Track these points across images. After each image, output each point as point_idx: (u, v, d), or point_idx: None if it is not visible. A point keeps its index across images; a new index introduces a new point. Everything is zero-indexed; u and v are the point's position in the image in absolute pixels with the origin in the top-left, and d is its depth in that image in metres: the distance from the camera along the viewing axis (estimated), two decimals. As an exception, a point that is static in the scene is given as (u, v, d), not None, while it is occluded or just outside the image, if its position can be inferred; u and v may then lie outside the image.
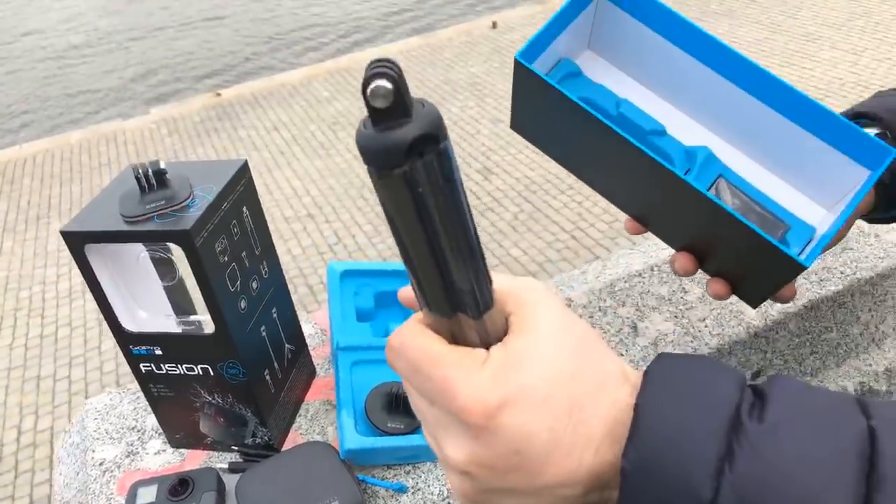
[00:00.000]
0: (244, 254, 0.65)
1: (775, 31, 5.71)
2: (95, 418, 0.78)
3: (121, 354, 3.28)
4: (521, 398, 0.32)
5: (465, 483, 0.35)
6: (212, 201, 0.60)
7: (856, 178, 0.57)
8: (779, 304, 0.85)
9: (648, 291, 0.86)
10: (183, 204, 0.60)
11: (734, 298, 0.83)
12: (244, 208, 0.66)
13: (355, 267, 0.82)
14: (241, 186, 0.65)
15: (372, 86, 0.25)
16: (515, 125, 0.66)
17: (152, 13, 8.70)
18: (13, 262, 4.13)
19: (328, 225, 4.21)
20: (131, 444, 0.74)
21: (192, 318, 0.69)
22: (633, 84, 0.66)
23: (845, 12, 5.87)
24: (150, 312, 0.67)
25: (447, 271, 0.30)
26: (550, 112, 0.60)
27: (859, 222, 0.90)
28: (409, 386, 0.36)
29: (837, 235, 0.63)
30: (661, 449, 0.31)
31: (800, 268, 0.53)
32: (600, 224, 3.83)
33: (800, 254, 0.59)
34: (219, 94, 5.86)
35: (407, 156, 0.26)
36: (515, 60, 0.57)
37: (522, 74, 0.58)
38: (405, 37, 6.96)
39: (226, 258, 0.62)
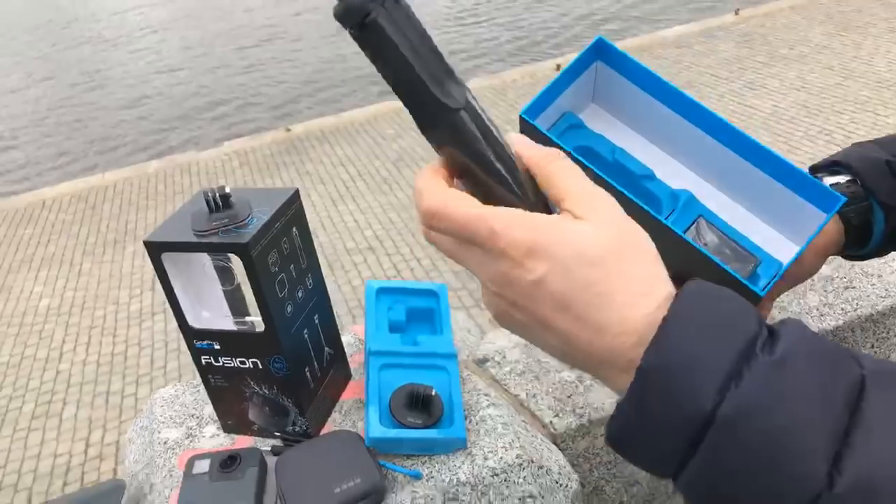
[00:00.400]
0: (292, 266, 0.77)
1: (848, 77, 5.65)
2: (162, 406, 0.91)
3: (183, 375, 3.48)
4: (555, 269, 0.39)
5: (501, 308, 0.42)
6: (266, 221, 0.72)
7: (816, 220, 0.65)
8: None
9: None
10: (243, 222, 0.72)
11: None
12: (293, 228, 0.78)
13: (390, 285, 0.93)
14: (291, 210, 0.77)
15: None
16: None
17: (227, 53, 9.17)
18: (91, 282, 4.41)
19: (388, 258, 4.36)
20: (190, 428, 0.86)
21: (247, 318, 0.81)
22: (629, 133, 0.76)
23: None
24: (212, 313, 0.80)
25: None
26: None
27: (863, 264, 0.97)
28: (453, 243, 0.42)
29: (807, 270, 0.71)
30: (678, 358, 0.36)
31: (755, 296, 0.62)
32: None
33: (766, 285, 0.67)
34: (289, 130, 6.14)
35: (368, 6, 0.37)
36: (519, 117, 0.68)
37: (527, 128, 0.69)
38: (470, 77, 7.14)
39: (276, 269, 0.74)
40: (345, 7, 0.38)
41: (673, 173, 0.74)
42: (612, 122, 0.77)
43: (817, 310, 0.94)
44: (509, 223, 0.39)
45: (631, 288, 0.39)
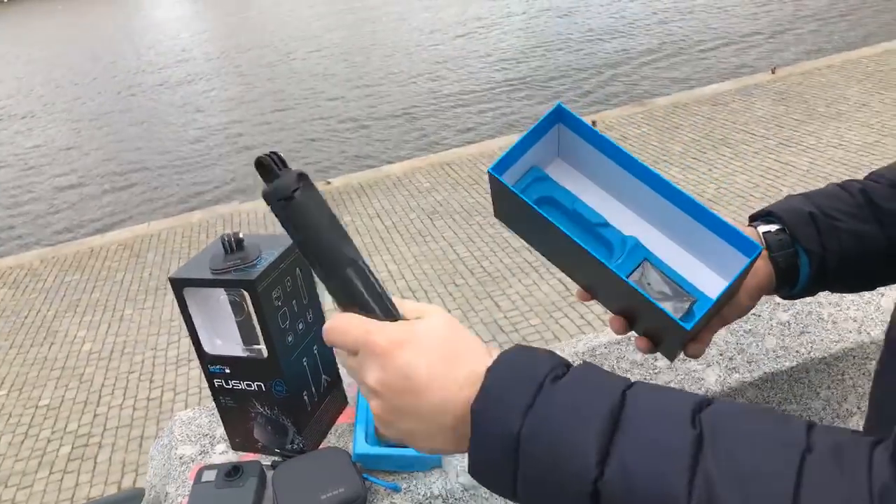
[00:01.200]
0: (294, 301, 0.89)
1: (887, 134, 5.64)
2: (181, 426, 1.03)
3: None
4: (411, 343, 0.53)
5: (376, 402, 0.55)
6: (272, 261, 0.85)
7: (740, 263, 0.75)
8: (737, 375, 1.00)
9: (624, 357, 1.04)
10: (252, 262, 0.85)
11: (697, 367, 1.00)
12: (297, 269, 0.90)
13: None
14: (295, 252, 0.90)
15: (256, 159, 0.53)
16: (497, 215, 0.87)
17: (264, 111, 9.56)
18: (131, 328, 4.59)
19: (420, 308, 4.43)
20: (204, 446, 0.98)
21: (255, 346, 0.93)
22: (589, 185, 0.87)
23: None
24: (224, 341, 0.92)
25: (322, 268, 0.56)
26: (518, 211, 0.81)
27: (819, 310, 1.05)
28: (340, 350, 0.57)
29: (741, 308, 0.80)
30: (493, 399, 0.50)
31: (683, 330, 0.72)
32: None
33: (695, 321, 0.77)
34: (329, 183, 6.37)
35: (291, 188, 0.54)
36: (488, 172, 0.80)
37: (495, 182, 0.80)
38: (505, 134, 7.34)
39: (279, 303, 0.86)
40: (274, 188, 0.54)
41: (625, 221, 0.84)
42: (574, 174, 0.87)
43: (774, 352, 1.02)
44: (381, 327, 0.55)
45: (471, 352, 0.54)
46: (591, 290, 0.83)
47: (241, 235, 0.87)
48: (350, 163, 7.39)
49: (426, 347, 0.53)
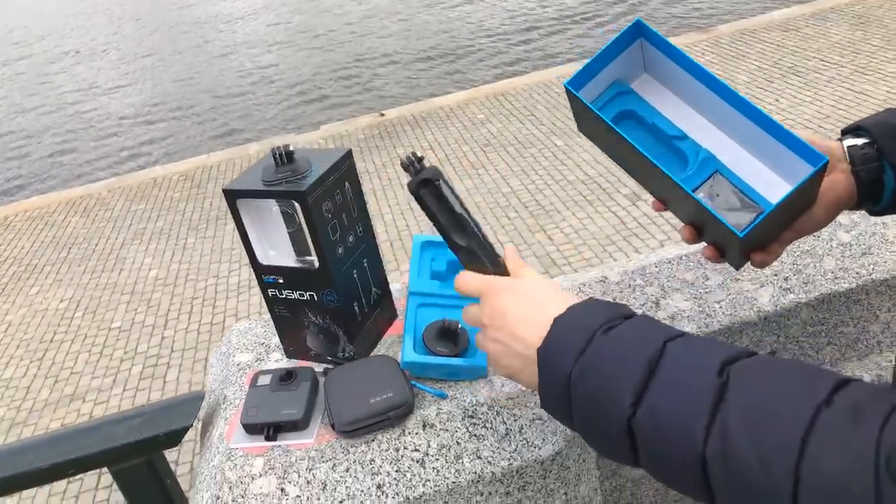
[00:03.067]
0: (343, 215, 0.91)
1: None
2: (238, 336, 1.07)
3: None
4: (513, 291, 0.70)
5: (482, 335, 0.72)
6: (322, 174, 0.86)
7: (805, 173, 0.73)
8: (791, 295, 0.98)
9: (674, 275, 1.03)
10: (303, 175, 0.86)
11: (750, 287, 0.98)
12: (346, 183, 0.91)
13: (434, 239, 1.05)
14: (344, 167, 0.91)
15: (400, 161, 0.75)
16: (581, 130, 0.89)
17: (331, 46, 9.50)
18: (194, 256, 4.74)
19: (472, 238, 4.46)
20: (259, 354, 1.02)
21: (307, 258, 0.95)
22: (673, 99, 0.87)
23: None
24: (278, 252, 0.94)
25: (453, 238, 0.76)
26: (593, 125, 0.82)
27: (885, 231, 1.02)
28: (466, 309, 0.77)
29: (816, 222, 0.79)
30: (554, 343, 0.62)
31: (737, 238, 0.71)
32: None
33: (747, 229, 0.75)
34: (382, 115, 6.35)
35: (419, 186, 0.74)
36: (564, 86, 0.79)
37: (571, 96, 0.80)
38: (563, 64, 7.16)
39: (329, 215, 0.88)
40: (418, 180, 0.74)
41: (705, 134, 0.85)
42: (659, 89, 0.88)
43: (832, 272, 1.00)
44: (494, 279, 0.74)
45: (555, 303, 0.67)
46: (662, 201, 0.85)
47: (291, 148, 0.88)
48: (407, 95, 7.34)
49: (522, 294, 0.69)
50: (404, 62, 8.33)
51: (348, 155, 0.92)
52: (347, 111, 7.10)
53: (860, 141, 0.80)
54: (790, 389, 0.51)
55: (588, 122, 0.84)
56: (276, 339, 1.04)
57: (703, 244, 0.83)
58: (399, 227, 4.56)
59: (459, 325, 0.90)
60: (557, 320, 0.63)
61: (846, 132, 0.83)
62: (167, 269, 4.64)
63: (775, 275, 1.01)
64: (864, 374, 1.03)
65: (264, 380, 0.91)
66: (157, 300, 4.34)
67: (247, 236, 0.91)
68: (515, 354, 0.67)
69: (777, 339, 0.99)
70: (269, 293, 0.94)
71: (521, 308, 0.68)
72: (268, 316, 1.09)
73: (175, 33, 11.62)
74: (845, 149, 0.80)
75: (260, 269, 0.93)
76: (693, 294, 1.00)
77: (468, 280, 0.74)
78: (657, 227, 4.08)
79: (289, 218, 0.93)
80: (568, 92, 0.81)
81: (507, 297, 0.69)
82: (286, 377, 0.90)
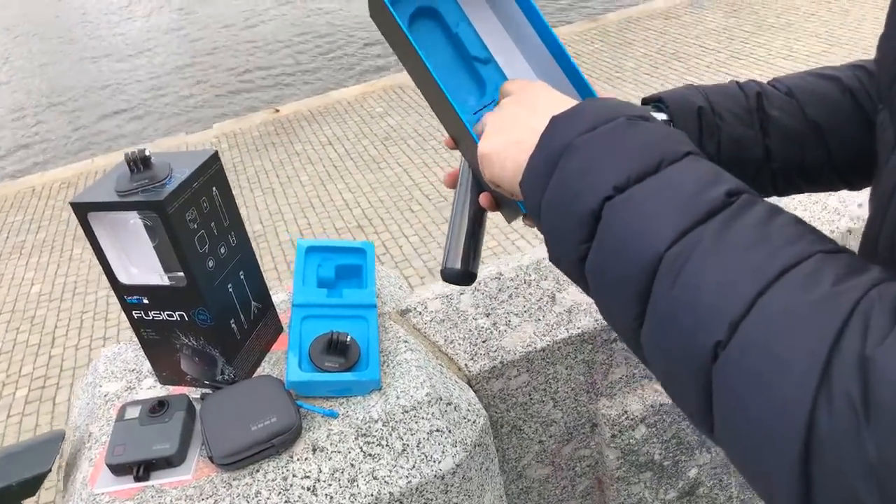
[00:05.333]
0: (212, 224, 0.82)
1: (834, 44, 5.65)
2: (105, 363, 0.96)
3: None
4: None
5: (497, 108, 0.62)
6: (183, 180, 0.78)
7: None
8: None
9: (571, 269, 1.00)
10: (161, 182, 0.77)
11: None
12: (213, 188, 0.83)
13: (319, 244, 0.98)
14: (211, 171, 0.82)
15: None
16: (372, 15, 0.72)
17: (217, 38, 9.17)
18: (81, 267, 4.46)
19: (376, 236, 4.40)
20: (130, 382, 0.92)
21: (178, 273, 0.86)
22: (487, 13, 0.76)
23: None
24: (141, 269, 0.85)
25: None
26: (385, 18, 0.69)
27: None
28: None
29: None
30: (574, 115, 0.52)
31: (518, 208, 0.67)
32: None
33: None
34: (277, 111, 6.17)
35: None
36: None
37: None
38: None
39: (195, 226, 0.79)
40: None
41: (512, 64, 0.76)
42: None
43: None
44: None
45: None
46: (453, 137, 0.74)
47: (147, 153, 0.79)
48: (300, 88, 7.16)
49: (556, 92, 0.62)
50: (298, 55, 8.13)
51: (215, 157, 0.83)
52: (241, 108, 6.86)
53: (660, 117, 0.76)
54: (774, 236, 0.42)
55: (378, 9, 0.69)
56: (147, 364, 0.95)
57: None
58: (301, 226, 4.44)
59: (349, 337, 0.83)
60: (583, 102, 0.55)
61: (647, 101, 0.79)
62: (52, 284, 4.34)
63: (670, 262, 1.00)
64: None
65: (133, 412, 0.82)
66: (41, 317, 4.05)
67: (103, 254, 0.81)
68: (524, 125, 0.58)
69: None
70: (134, 315, 0.85)
71: (550, 97, 0.60)
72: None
73: (56, 32, 10.94)
74: None
75: (121, 290, 0.83)
76: (590, 287, 0.97)
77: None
78: (558, 214, 4.13)
79: (152, 230, 0.84)
80: None
81: (542, 88, 0.63)
82: (157, 408, 0.81)
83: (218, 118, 6.65)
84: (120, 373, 0.94)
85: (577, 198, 0.48)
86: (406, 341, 0.89)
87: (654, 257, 0.42)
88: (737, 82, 0.79)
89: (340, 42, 8.34)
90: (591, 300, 0.95)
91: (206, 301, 0.81)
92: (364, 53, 7.90)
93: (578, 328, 0.93)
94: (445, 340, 0.93)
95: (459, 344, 0.93)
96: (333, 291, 0.95)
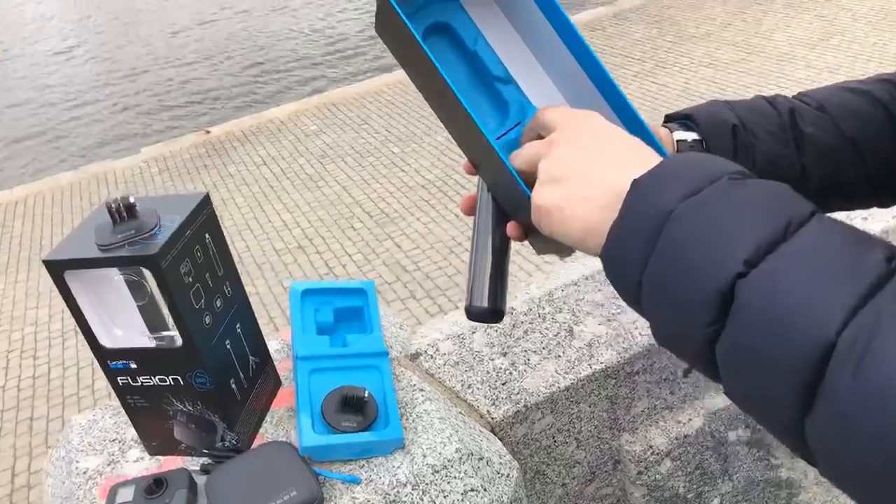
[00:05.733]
0: (207, 275, 0.73)
1: (751, 52, 5.86)
2: (80, 433, 0.86)
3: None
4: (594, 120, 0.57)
5: (552, 146, 0.56)
6: (175, 229, 0.69)
7: None
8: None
9: (584, 298, 0.94)
10: (150, 232, 0.68)
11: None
12: (206, 235, 0.74)
13: (315, 286, 0.90)
14: (202, 216, 0.73)
15: None
16: (378, 30, 0.66)
17: (139, 56, 8.86)
18: (5, 304, 4.20)
19: (318, 256, 4.30)
20: (112, 454, 0.82)
21: (165, 333, 0.77)
22: (506, 27, 0.69)
23: (818, 32, 6.02)
24: (126, 330, 0.75)
25: None
26: (397, 32, 0.62)
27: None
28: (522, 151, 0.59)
29: None
30: (662, 175, 0.47)
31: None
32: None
33: None
34: (208, 132, 5.98)
35: None
36: None
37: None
38: (392, 71, 7.10)
39: (190, 279, 0.70)
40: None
41: (535, 85, 0.69)
42: (492, 9, 0.70)
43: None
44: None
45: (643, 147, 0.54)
46: (472, 162, 0.68)
47: (131, 199, 0.69)
48: (231, 108, 6.96)
49: (610, 129, 0.56)
50: (227, 75, 7.91)
51: (206, 201, 0.75)
52: (170, 132, 6.61)
53: (690, 136, 0.72)
54: None
55: (390, 25, 0.62)
56: (132, 432, 0.84)
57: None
58: (239, 249, 4.29)
59: (367, 392, 0.75)
60: (667, 160, 0.49)
61: (671, 118, 0.76)
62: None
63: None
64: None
65: (125, 494, 0.72)
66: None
67: (82, 316, 0.71)
68: (591, 179, 0.51)
69: (695, 355, 0.94)
70: (119, 381, 0.75)
71: (618, 132, 0.55)
72: (117, 402, 0.89)
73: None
74: (675, 142, 0.72)
75: (105, 355, 0.73)
76: (606, 317, 0.92)
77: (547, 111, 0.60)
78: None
79: (136, 287, 0.74)
80: None
81: (600, 120, 0.57)
82: (155, 487, 0.71)
83: (145, 141, 6.40)
84: (99, 444, 0.83)
85: (697, 275, 0.42)
86: (422, 390, 0.82)
87: (823, 343, 0.36)
88: (764, 98, 0.75)
89: (269, 59, 8.17)
90: (609, 332, 0.91)
91: (205, 362, 0.72)
92: (294, 70, 7.76)
93: (601, 363, 0.87)
94: (463, 385, 0.86)
95: (478, 388, 0.86)
96: (335, 338, 0.87)
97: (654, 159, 0.50)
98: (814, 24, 6.23)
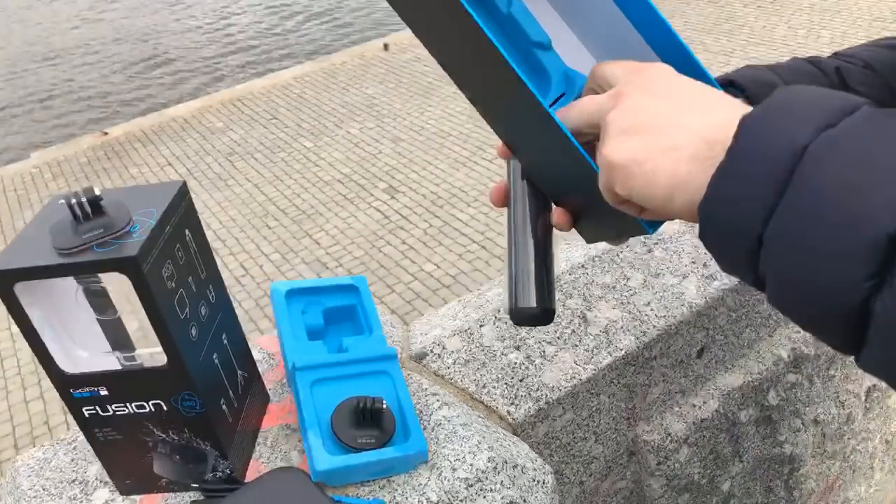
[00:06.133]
0: (190, 278, 0.62)
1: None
2: (29, 476, 0.72)
3: (73, 423, 3.06)
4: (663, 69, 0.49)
5: (620, 92, 0.47)
6: (154, 225, 0.57)
7: None
8: (716, 282, 0.88)
9: (593, 282, 0.88)
10: (124, 230, 0.56)
11: (674, 281, 0.85)
12: (186, 231, 0.62)
13: (299, 285, 0.79)
14: (181, 209, 0.62)
15: None
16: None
17: (19, 55, 8.26)
18: None
19: (233, 258, 4.12)
20: (74, 499, 0.69)
21: (133, 353, 0.65)
22: None
23: (713, 18, 6.23)
24: (92, 351, 0.63)
25: None
26: None
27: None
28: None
29: None
30: (779, 108, 0.39)
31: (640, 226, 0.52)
32: (509, 232, 3.89)
33: None
34: (105, 133, 5.62)
35: None
36: None
37: None
38: (298, 62, 6.89)
39: (173, 284, 0.59)
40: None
41: (571, 49, 0.61)
42: None
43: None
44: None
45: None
46: (513, 142, 0.60)
47: (97, 191, 0.57)
48: (129, 107, 6.57)
49: (682, 79, 0.48)
50: (116, 74, 7.47)
51: (184, 190, 0.63)
52: (65, 132, 6.17)
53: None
54: None
55: None
56: (95, 468, 0.71)
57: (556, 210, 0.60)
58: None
59: (384, 403, 0.66)
60: (781, 88, 0.41)
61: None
62: None
63: (693, 262, 0.90)
64: (782, 352, 0.96)
65: (105, 547, 0.60)
66: None
67: (37, 337, 0.58)
68: (677, 125, 0.43)
69: (707, 334, 0.89)
70: (86, 412, 0.62)
71: (691, 88, 0.46)
72: (70, 436, 0.76)
73: None
74: None
75: (67, 382, 0.60)
76: (619, 300, 0.86)
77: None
78: (418, 217, 4.06)
79: (98, 299, 0.62)
80: None
81: (668, 72, 0.48)
82: (141, 535, 0.60)
83: (35, 145, 5.95)
84: (55, 488, 0.70)
85: (852, 221, 0.35)
86: (435, 394, 0.73)
87: None
88: (804, 59, 0.70)
89: (165, 57, 7.78)
90: (624, 315, 0.84)
91: (194, 382, 0.60)
92: (193, 66, 7.42)
93: (621, 349, 0.81)
94: (477, 385, 0.78)
95: (495, 387, 0.77)
96: (329, 342, 0.76)
97: (746, 106, 0.43)
98: (707, 9, 6.45)
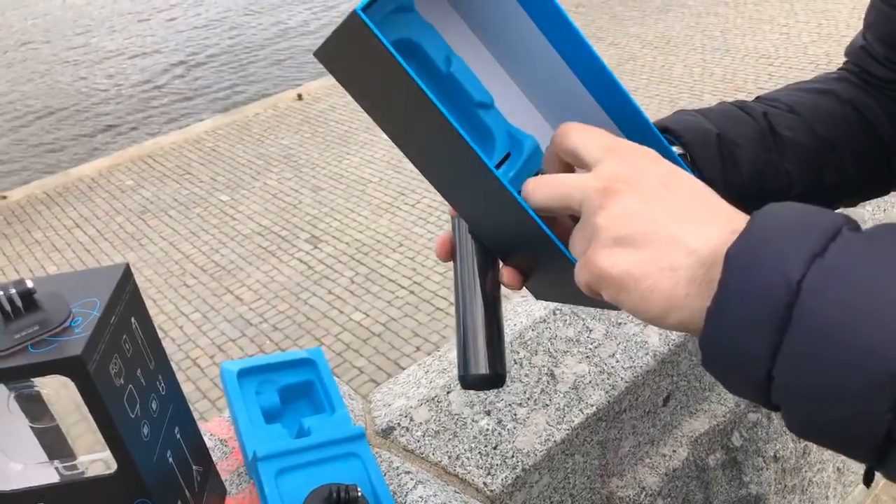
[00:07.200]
0: (139, 371, 0.56)
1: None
2: None
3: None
4: (650, 159, 0.46)
5: (621, 193, 0.43)
6: (98, 317, 0.51)
7: None
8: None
9: (556, 336, 0.86)
10: (63, 326, 0.50)
11: (636, 329, 0.84)
12: (133, 319, 0.56)
13: (251, 364, 0.74)
14: (126, 295, 0.56)
15: None
16: (320, 54, 0.53)
17: None
18: None
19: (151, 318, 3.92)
20: None
21: (73, 462, 0.58)
22: (468, 37, 0.59)
23: (614, 58, 6.48)
24: (27, 463, 0.55)
25: None
26: (366, 58, 0.50)
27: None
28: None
29: None
30: (762, 238, 0.37)
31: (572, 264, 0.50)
32: (435, 276, 3.88)
33: None
34: (4, 197, 5.33)
35: None
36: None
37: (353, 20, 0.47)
38: (210, 116, 6.77)
39: (122, 381, 0.53)
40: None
41: (515, 105, 0.59)
42: (448, 12, 0.58)
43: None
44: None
45: (715, 198, 0.44)
46: (455, 201, 0.58)
47: (29, 284, 0.51)
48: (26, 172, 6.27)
49: (670, 173, 0.45)
50: (12, 131, 7.13)
51: (127, 274, 0.57)
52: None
53: (676, 149, 0.66)
54: None
55: (353, 48, 0.51)
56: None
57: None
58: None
59: (359, 490, 0.61)
60: (758, 213, 0.39)
61: None
62: None
63: (651, 309, 0.90)
64: (742, 392, 0.96)
65: None
66: None
67: (-37, 452, 0.51)
68: (673, 243, 0.41)
69: (672, 381, 0.88)
70: (21, 533, 0.55)
71: (687, 190, 0.43)
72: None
73: None
74: None
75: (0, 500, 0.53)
76: (583, 353, 0.84)
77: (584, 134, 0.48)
78: (343, 265, 4.01)
79: (33, 406, 0.55)
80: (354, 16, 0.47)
81: (653, 161, 0.45)
82: None
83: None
84: None
85: (863, 358, 0.34)
86: (408, 472, 0.69)
87: None
88: (731, 103, 0.70)
89: (67, 111, 7.49)
90: (591, 370, 0.82)
91: (148, 487, 0.54)
92: (98, 120, 7.17)
93: (592, 405, 0.78)
94: (450, 458, 0.73)
95: (468, 458, 0.73)
96: (288, 423, 0.71)
97: (740, 215, 0.42)
98: (610, 50, 6.70)
